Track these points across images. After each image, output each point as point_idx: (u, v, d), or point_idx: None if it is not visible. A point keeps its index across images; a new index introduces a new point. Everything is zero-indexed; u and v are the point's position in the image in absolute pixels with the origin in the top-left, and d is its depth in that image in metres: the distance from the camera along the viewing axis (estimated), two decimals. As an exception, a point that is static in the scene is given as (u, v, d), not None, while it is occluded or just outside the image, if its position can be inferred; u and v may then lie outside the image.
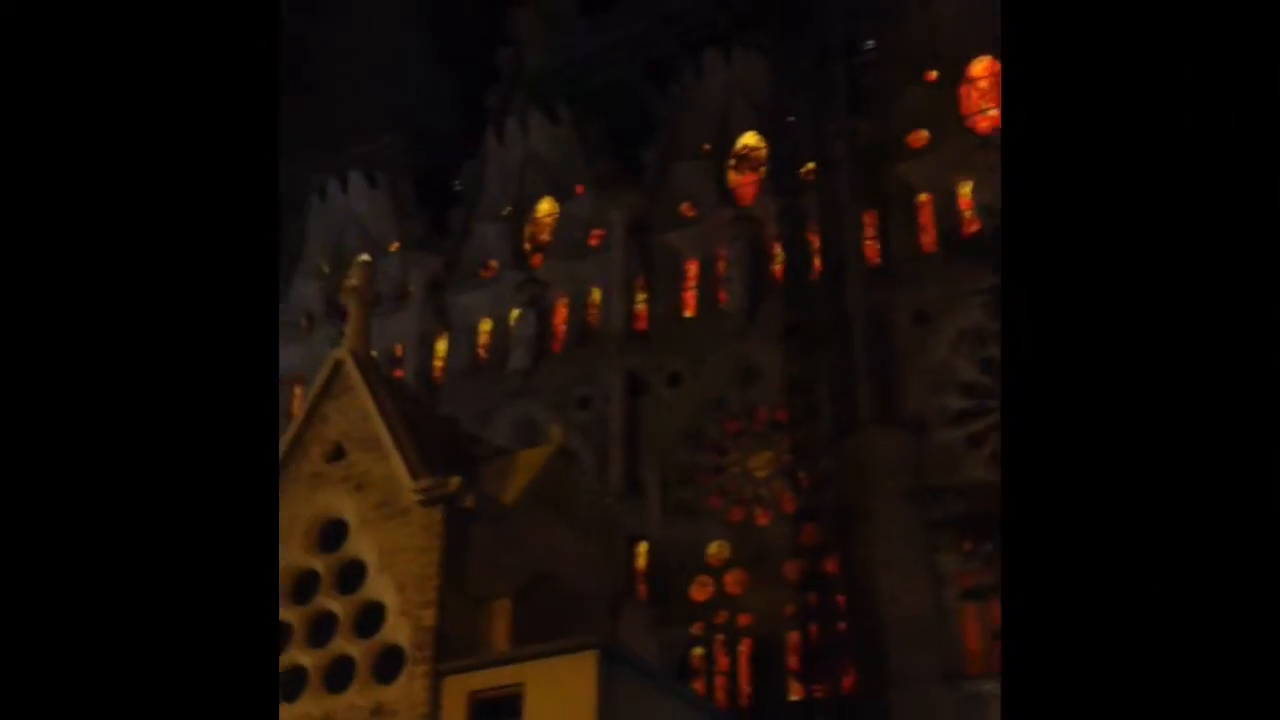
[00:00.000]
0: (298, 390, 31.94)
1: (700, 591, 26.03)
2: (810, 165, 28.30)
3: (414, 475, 18.42)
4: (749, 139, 30.54)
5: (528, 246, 32.61)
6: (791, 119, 28.91)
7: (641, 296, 30.02)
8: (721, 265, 29.19)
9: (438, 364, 32.10)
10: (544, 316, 31.13)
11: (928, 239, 27.11)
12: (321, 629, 18.59)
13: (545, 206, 32.83)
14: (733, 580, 25.91)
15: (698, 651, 25.36)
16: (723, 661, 25.23)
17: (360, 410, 19.55)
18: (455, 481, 18.17)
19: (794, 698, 23.78)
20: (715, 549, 26.32)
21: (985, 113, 27.79)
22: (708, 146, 30.69)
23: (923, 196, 27.48)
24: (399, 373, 30.79)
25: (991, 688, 20.97)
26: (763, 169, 29.96)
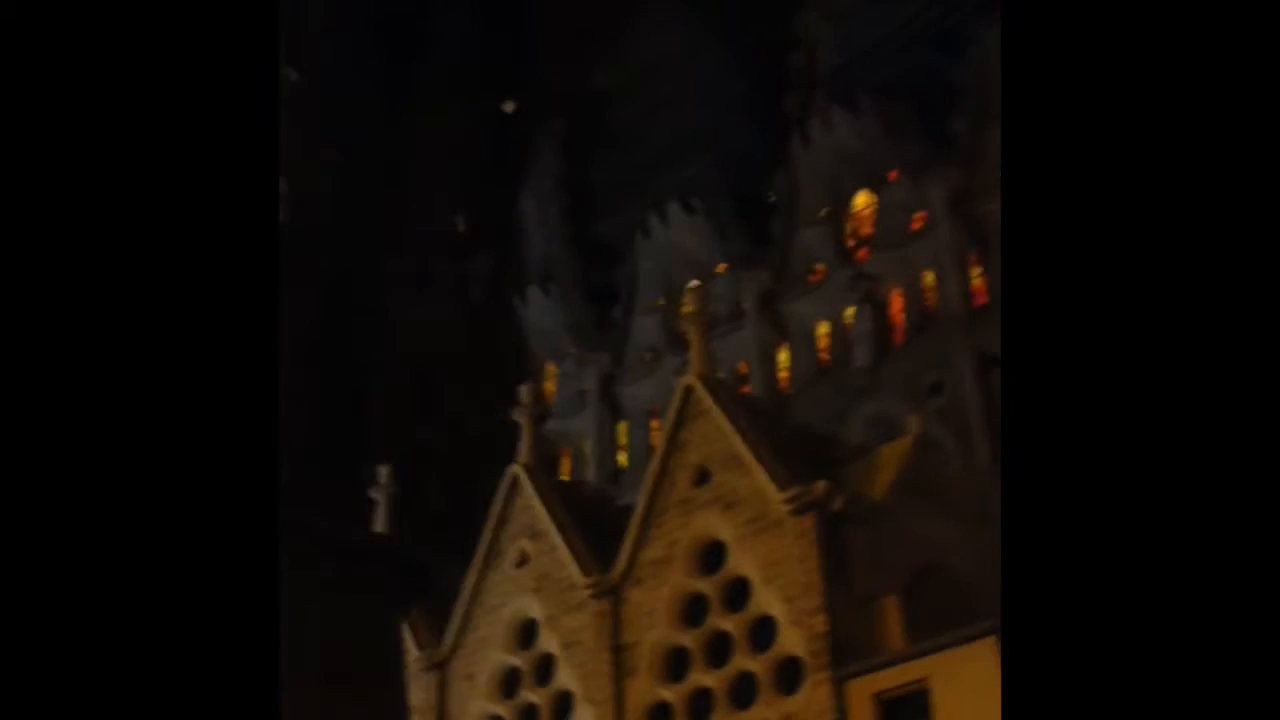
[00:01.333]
0: (654, 423, 32.77)
1: (1092, 562, 24.96)
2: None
3: (780, 486, 18.54)
4: (1061, 89, 29.29)
5: (851, 243, 32.36)
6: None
7: (976, 271, 29.22)
8: (1055, 223, 28.06)
9: (782, 374, 32.24)
10: (880, 309, 30.77)
11: None
12: (718, 649, 18.95)
13: (862, 199, 32.50)
14: (1125, 546, 24.73)
15: (1100, 624, 24.31)
16: (1130, 631, 24.10)
17: (717, 431, 19.87)
18: (822, 486, 18.18)
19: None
20: (1100, 516, 25.21)
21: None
22: (1019, 105, 29.61)
23: None
24: (746, 389, 31.11)
25: None
26: (1081, 116, 28.66)
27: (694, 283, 32.32)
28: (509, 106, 41.83)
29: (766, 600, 18.37)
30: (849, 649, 17.35)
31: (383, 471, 24.48)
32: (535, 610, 21.07)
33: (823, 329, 31.86)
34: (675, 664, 19.34)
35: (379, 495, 24.15)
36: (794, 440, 20.73)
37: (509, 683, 21.26)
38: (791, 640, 17.90)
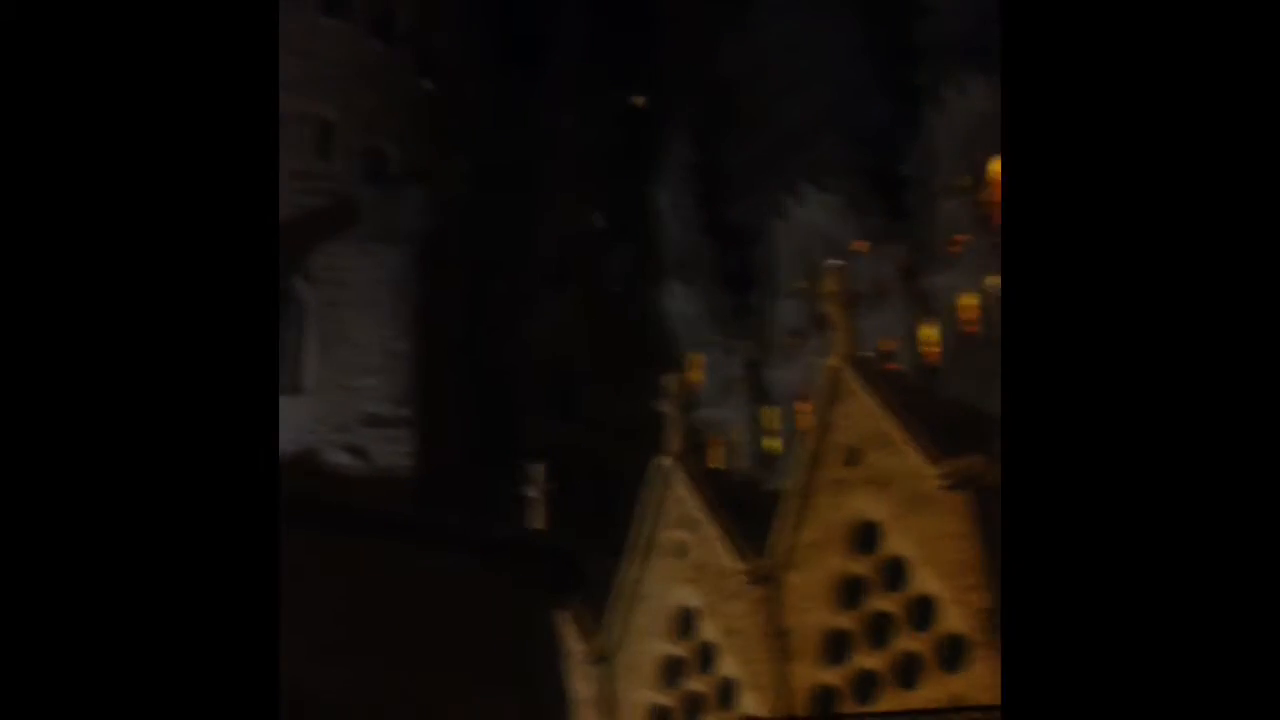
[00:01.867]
0: (802, 406, 32.59)
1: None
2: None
3: (933, 462, 18.31)
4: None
5: (991, 210, 31.73)
6: None
7: (1125, 231, 28.44)
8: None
9: (929, 349, 31.79)
10: (1026, 276, 30.12)
11: None
12: (879, 630, 18.80)
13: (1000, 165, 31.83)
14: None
15: None
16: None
17: (865, 411, 19.69)
18: (976, 461, 17.90)
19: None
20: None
21: None
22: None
23: None
24: (893, 366, 30.75)
25: None
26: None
27: (833, 262, 32.03)
28: (639, 101, 41.96)
29: (925, 579, 18.15)
30: (1014, 624, 17.05)
31: (536, 469, 24.83)
32: (693, 599, 21.16)
33: (968, 300, 31.27)
34: (837, 647, 19.25)
35: (534, 493, 24.50)
36: (945, 415, 20.43)
37: (672, 672, 21.38)
38: (954, 618, 17.66)
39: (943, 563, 17.92)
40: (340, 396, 28.22)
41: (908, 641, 18.34)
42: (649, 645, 21.54)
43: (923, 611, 18.28)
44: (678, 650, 21.28)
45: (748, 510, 21.41)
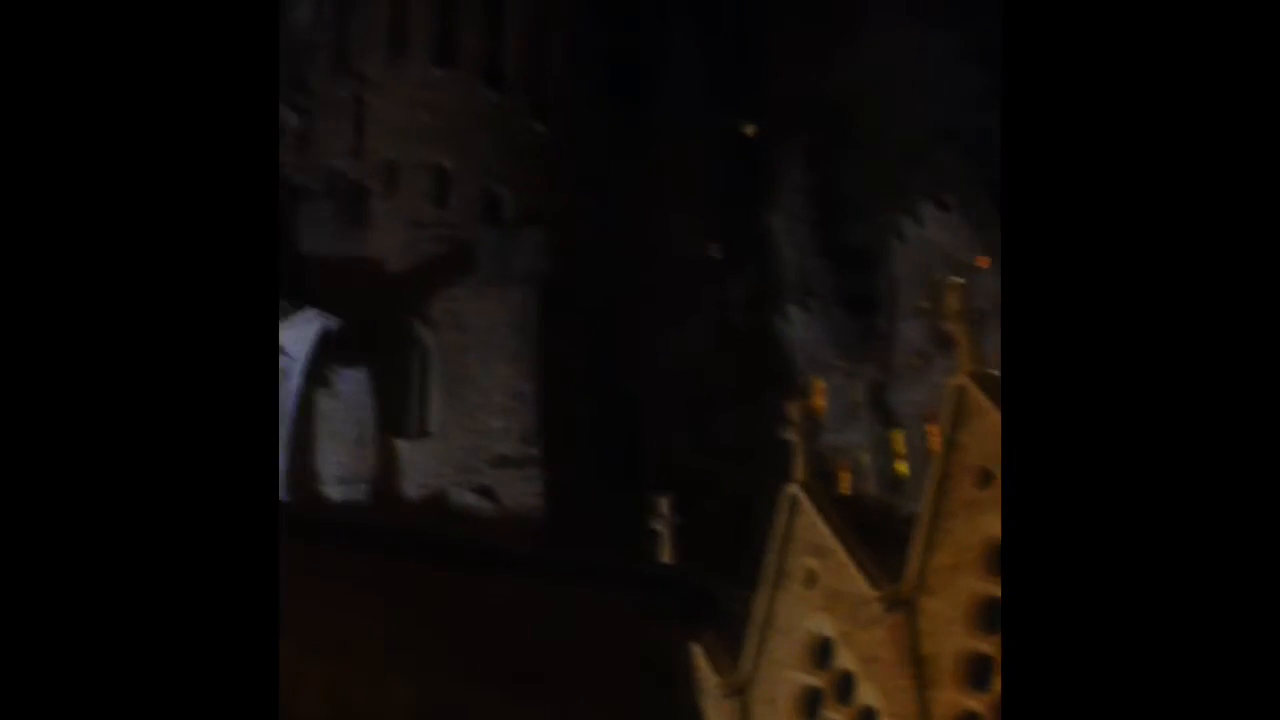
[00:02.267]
0: (930, 428, 32.04)
1: None
2: None
3: (1069, 479, 17.81)
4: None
5: (1118, 219, 30.99)
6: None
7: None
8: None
9: (1060, 364, 31.10)
10: (1157, 284, 29.30)
11: None
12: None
13: (1124, 172, 31.10)
14: None
15: None
16: None
17: (995, 430, 19.24)
18: (1114, 475, 17.38)
19: None
20: None
21: None
22: None
23: None
24: (1023, 383, 30.09)
25: None
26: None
27: (955, 279, 31.47)
28: (750, 130, 41.92)
29: (1068, 599, 17.64)
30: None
31: (663, 502, 24.76)
32: (828, 628, 20.85)
33: (1097, 311, 30.51)
34: (978, 672, 18.78)
35: (661, 526, 24.42)
36: (1079, 430, 19.91)
37: (810, 703, 21.07)
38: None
39: (1085, 582, 17.40)
40: (467, 439, 28.52)
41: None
42: (785, 676, 21.26)
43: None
44: (815, 680, 20.97)
45: (879, 535, 21.07)
